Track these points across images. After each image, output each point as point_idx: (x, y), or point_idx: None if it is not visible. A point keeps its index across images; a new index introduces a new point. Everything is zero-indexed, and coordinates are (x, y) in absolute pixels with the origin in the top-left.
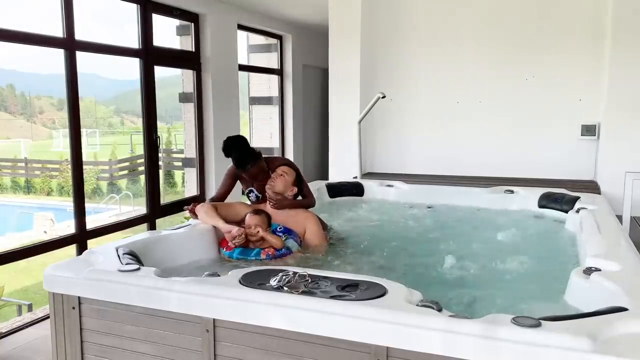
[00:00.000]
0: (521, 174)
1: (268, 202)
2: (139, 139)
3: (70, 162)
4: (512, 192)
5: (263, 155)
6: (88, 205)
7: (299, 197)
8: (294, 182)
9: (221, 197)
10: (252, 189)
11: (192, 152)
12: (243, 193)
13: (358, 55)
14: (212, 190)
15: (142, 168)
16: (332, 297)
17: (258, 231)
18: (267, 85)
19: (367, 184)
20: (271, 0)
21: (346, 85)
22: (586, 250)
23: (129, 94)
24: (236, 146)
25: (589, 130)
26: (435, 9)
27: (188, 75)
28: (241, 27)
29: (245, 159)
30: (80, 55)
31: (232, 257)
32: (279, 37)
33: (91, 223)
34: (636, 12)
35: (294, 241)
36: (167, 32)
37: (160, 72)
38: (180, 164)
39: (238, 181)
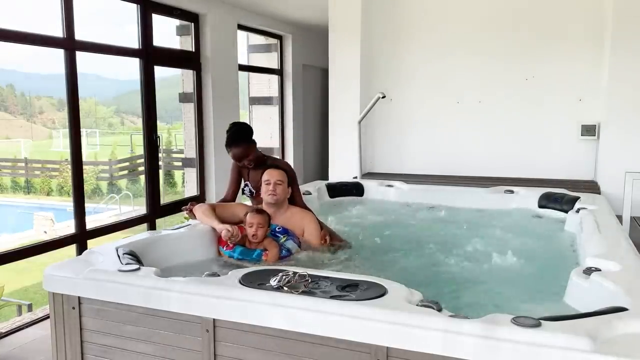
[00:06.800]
0: (521, 174)
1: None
2: (139, 139)
3: (70, 162)
4: (512, 192)
5: (265, 155)
6: (88, 205)
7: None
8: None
9: (230, 197)
10: (248, 182)
11: (192, 152)
12: (243, 193)
13: (358, 56)
14: (212, 190)
15: (142, 168)
16: (332, 297)
17: (259, 232)
18: (267, 85)
19: (367, 184)
20: (271, 0)
21: (346, 85)
22: (586, 250)
23: (129, 94)
24: (231, 127)
25: (589, 130)
26: (435, 9)
27: (188, 75)
28: (241, 27)
29: (232, 138)
30: (80, 55)
31: (233, 256)
32: (279, 37)
33: (91, 223)
34: (636, 12)
35: (293, 242)
36: (167, 32)
37: (160, 72)
38: (180, 164)
39: None
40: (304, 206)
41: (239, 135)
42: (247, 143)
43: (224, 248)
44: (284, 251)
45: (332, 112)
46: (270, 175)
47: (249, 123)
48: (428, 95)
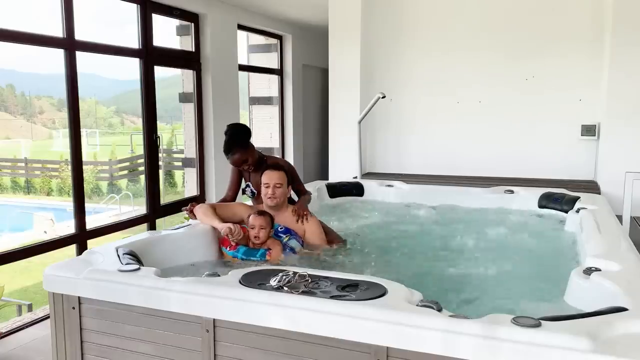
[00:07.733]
0: (521, 174)
1: (300, 218)
2: (139, 139)
3: (70, 162)
4: (512, 192)
5: (264, 155)
6: (88, 205)
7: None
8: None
9: (230, 198)
10: (249, 183)
11: (192, 152)
12: (244, 193)
13: (358, 55)
14: (212, 190)
15: (142, 168)
16: (332, 297)
17: (262, 233)
18: (267, 85)
19: (367, 184)
20: (271, 0)
21: (346, 85)
22: (586, 250)
23: (129, 94)
24: (228, 130)
25: (589, 130)
26: (435, 9)
27: (188, 75)
28: (241, 27)
29: (229, 145)
30: (80, 55)
31: (237, 256)
32: (279, 37)
33: (91, 223)
34: (636, 12)
35: (297, 241)
36: (167, 32)
37: (160, 72)
38: (180, 164)
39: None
40: (304, 190)
41: (236, 141)
42: (244, 148)
43: (227, 248)
44: (287, 250)
45: (332, 112)
46: (269, 178)
47: (248, 123)
48: (428, 95)
